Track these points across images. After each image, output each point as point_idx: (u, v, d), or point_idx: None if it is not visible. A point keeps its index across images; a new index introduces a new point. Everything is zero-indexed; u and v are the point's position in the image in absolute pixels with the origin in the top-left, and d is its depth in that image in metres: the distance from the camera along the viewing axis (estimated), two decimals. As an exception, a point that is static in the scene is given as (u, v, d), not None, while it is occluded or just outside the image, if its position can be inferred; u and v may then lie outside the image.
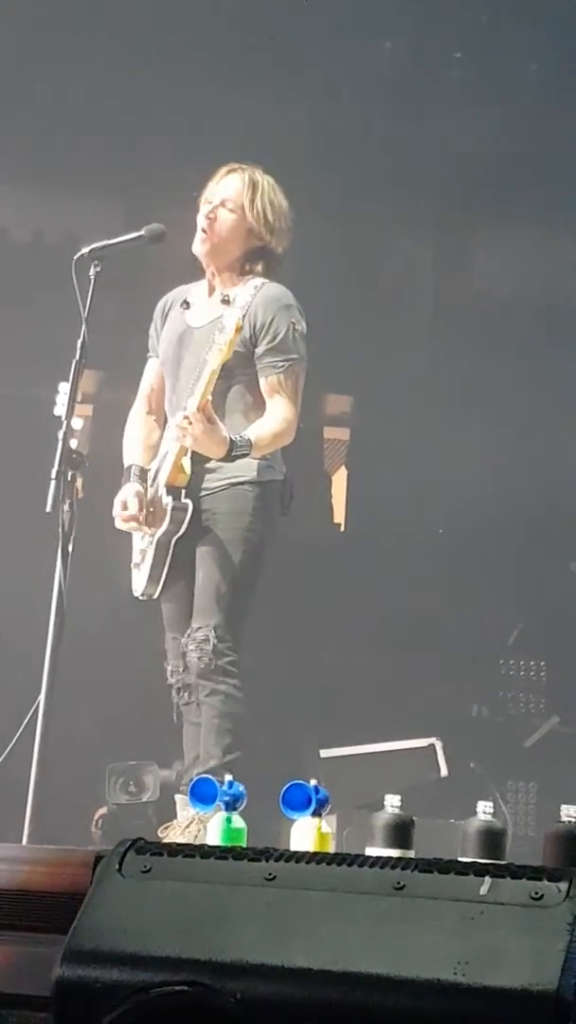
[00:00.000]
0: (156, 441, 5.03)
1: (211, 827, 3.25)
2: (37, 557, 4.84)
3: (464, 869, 2.47)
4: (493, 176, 7.15)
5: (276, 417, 4.81)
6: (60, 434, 4.67)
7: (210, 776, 3.44)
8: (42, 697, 4.52)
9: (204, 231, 4.88)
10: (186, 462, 4.78)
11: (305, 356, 4.89)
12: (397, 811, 3.03)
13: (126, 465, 5.02)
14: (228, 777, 3.31)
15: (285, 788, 3.22)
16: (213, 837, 3.22)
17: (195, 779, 3.42)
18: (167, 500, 4.76)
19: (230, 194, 4.90)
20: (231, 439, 4.64)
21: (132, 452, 5.06)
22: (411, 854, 2.94)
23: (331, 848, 3.21)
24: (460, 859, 2.74)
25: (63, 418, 4.69)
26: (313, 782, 3.24)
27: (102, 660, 6.18)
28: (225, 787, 3.25)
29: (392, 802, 3.04)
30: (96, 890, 2.58)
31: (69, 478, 4.64)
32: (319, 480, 7.70)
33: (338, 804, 3.58)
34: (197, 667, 4.71)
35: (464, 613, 6.80)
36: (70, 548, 4.62)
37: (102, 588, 5.64)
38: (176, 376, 4.96)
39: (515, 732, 6.51)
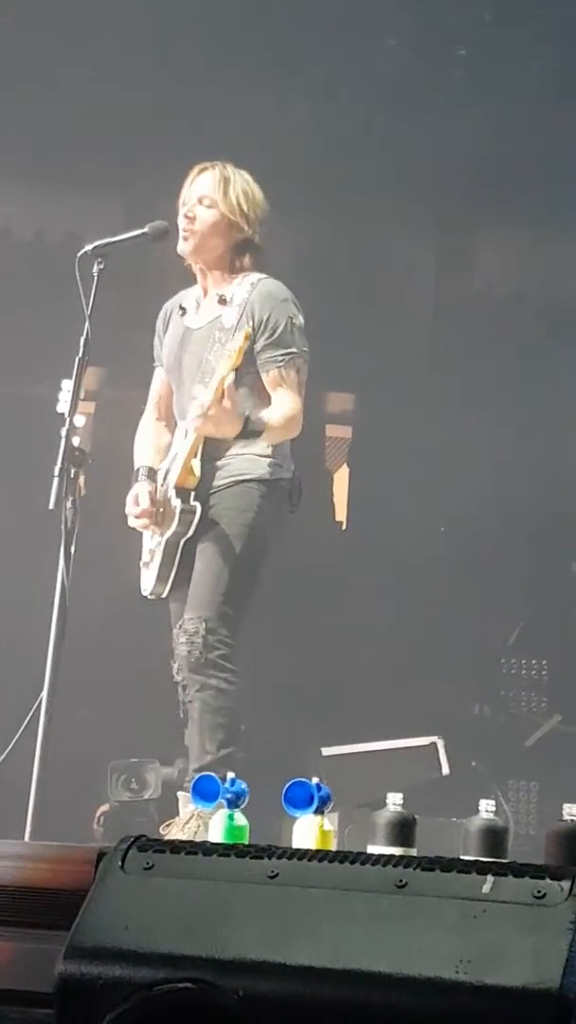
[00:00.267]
0: (166, 444, 5.05)
1: (213, 824, 3.25)
2: (40, 554, 4.85)
3: (466, 867, 2.47)
4: (495, 175, 7.15)
5: (283, 407, 4.82)
6: (63, 431, 4.67)
7: (212, 773, 3.44)
8: (44, 694, 4.52)
9: (185, 230, 4.91)
10: (196, 464, 4.79)
11: (305, 350, 4.90)
12: (399, 809, 3.03)
13: (136, 467, 5.04)
14: (230, 775, 3.31)
15: (287, 786, 3.22)
16: (215, 834, 3.22)
17: (197, 776, 3.42)
18: (176, 502, 4.78)
19: (204, 191, 4.93)
20: (246, 415, 4.65)
21: (142, 455, 5.08)
22: (413, 852, 2.94)
23: (333, 846, 3.21)
24: (462, 857, 2.75)
25: (66, 415, 4.69)
26: (315, 780, 3.24)
27: (104, 657, 6.18)
28: (227, 784, 3.25)
29: (394, 800, 3.04)
30: (99, 887, 2.59)
31: (72, 475, 4.64)
32: (321, 478, 7.70)
33: (340, 802, 3.59)
34: (187, 661, 4.70)
35: (465, 612, 6.80)
36: (73, 545, 4.62)
37: (105, 585, 5.64)
38: (180, 379, 4.98)
39: (517, 731, 6.51)
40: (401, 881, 2.45)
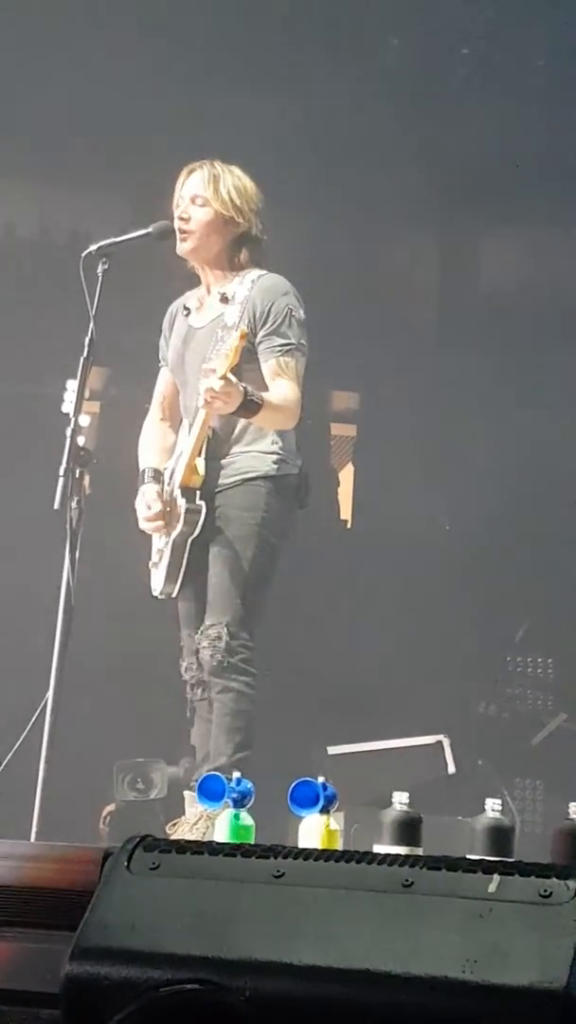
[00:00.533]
0: (171, 445, 5.06)
1: (219, 824, 3.25)
2: (45, 554, 4.85)
3: (472, 867, 2.47)
4: (498, 174, 7.14)
5: (281, 393, 4.82)
6: (68, 431, 4.67)
7: (218, 773, 3.44)
8: (50, 694, 4.52)
9: (182, 231, 4.93)
10: (200, 463, 4.79)
11: (305, 343, 4.90)
12: (405, 808, 3.03)
13: (141, 468, 5.04)
14: (236, 774, 3.31)
15: (293, 785, 3.22)
16: (221, 834, 3.22)
17: (203, 776, 3.42)
18: (181, 502, 4.78)
19: (196, 190, 4.95)
20: (245, 388, 4.65)
21: (147, 456, 5.09)
22: (419, 851, 2.94)
23: (339, 845, 3.21)
24: (468, 857, 2.74)
25: (71, 415, 4.70)
26: (321, 779, 3.24)
27: (110, 657, 6.18)
28: (233, 784, 3.25)
29: (400, 799, 3.03)
30: (105, 887, 2.59)
31: (77, 475, 4.65)
32: (326, 477, 7.69)
33: (345, 801, 3.58)
34: (210, 664, 4.72)
35: (471, 610, 6.79)
36: (78, 545, 4.63)
37: (110, 585, 5.64)
38: (184, 378, 5.00)
39: (522, 729, 6.50)
40: (407, 880, 2.45)
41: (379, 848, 2.95)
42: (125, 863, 2.60)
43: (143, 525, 4.95)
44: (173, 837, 4.33)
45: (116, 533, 5.17)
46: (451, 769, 5.77)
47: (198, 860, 2.60)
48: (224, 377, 4.55)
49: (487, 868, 2.45)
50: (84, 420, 4.75)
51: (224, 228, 4.94)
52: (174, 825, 4.65)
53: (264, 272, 4.97)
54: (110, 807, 6.01)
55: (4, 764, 4.66)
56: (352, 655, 6.48)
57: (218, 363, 4.61)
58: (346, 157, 7.07)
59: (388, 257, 8.02)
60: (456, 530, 7.05)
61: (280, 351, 4.84)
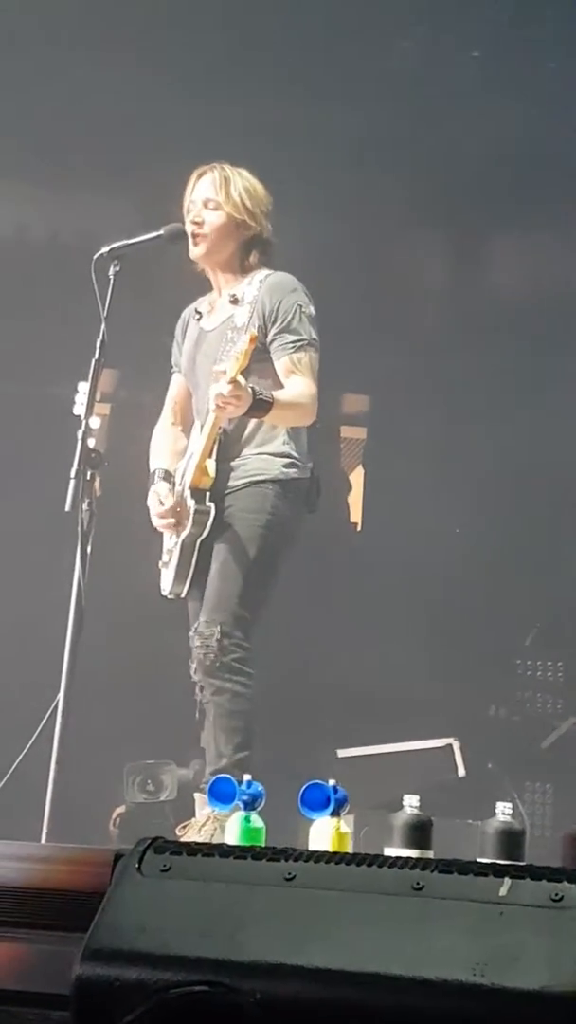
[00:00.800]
0: (182, 448, 5.07)
1: (229, 826, 3.25)
2: (56, 556, 4.85)
3: (483, 870, 2.47)
4: (508, 176, 7.14)
5: (295, 389, 4.81)
6: (79, 433, 4.68)
7: (228, 775, 3.44)
8: (61, 695, 4.53)
9: (195, 235, 4.93)
10: (210, 464, 4.80)
11: (316, 339, 4.90)
12: (416, 811, 3.02)
13: (152, 469, 5.04)
14: (247, 777, 3.31)
15: (304, 788, 3.21)
16: (231, 836, 3.22)
17: (214, 778, 3.42)
18: (191, 503, 4.79)
19: (208, 194, 4.97)
20: (252, 389, 4.64)
21: (158, 457, 5.10)
22: (430, 855, 2.93)
23: (349, 848, 3.21)
24: (479, 860, 2.74)
25: (82, 417, 4.70)
26: (332, 782, 3.24)
27: (120, 658, 6.18)
28: (244, 786, 3.25)
29: (411, 802, 3.03)
30: (115, 889, 2.59)
31: (88, 477, 4.65)
32: (336, 479, 7.69)
33: (355, 804, 3.58)
34: (203, 664, 4.72)
35: (481, 613, 6.79)
36: (89, 547, 4.63)
37: (120, 586, 5.64)
38: (196, 381, 5.01)
39: (533, 733, 6.49)
40: (418, 884, 2.45)
41: (390, 851, 2.95)
42: (136, 865, 2.60)
43: (155, 521, 4.95)
44: (183, 839, 4.33)
45: (126, 535, 5.17)
46: (461, 772, 5.77)
47: (209, 862, 2.60)
48: (233, 381, 4.55)
49: (498, 872, 2.45)
50: (95, 422, 4.75)
51: (236, 231, 4.96)
52: (184, 827, 4.64)
53: (271, 272, 4.97)
54: (120, 809, 6.01)
55: (15, 766, 4.66)
56: (362, 658, 6.47)
57: (228, 365, 4.61)
58: (356, 159, 7.07)
59: (397, 260, 8.02)
60: (466, 533, 7.04)
61: (292, 348, 4.84)
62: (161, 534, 5.02)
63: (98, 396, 4.78)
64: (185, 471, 4.92)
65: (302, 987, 2.36)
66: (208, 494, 4.82)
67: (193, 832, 4.54)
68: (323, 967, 2.37)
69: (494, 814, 3.06)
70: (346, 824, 3.26)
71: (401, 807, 3.05)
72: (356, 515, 7.99)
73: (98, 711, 5.71)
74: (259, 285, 4.90)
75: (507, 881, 2.41)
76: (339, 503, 7.67)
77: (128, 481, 5.26)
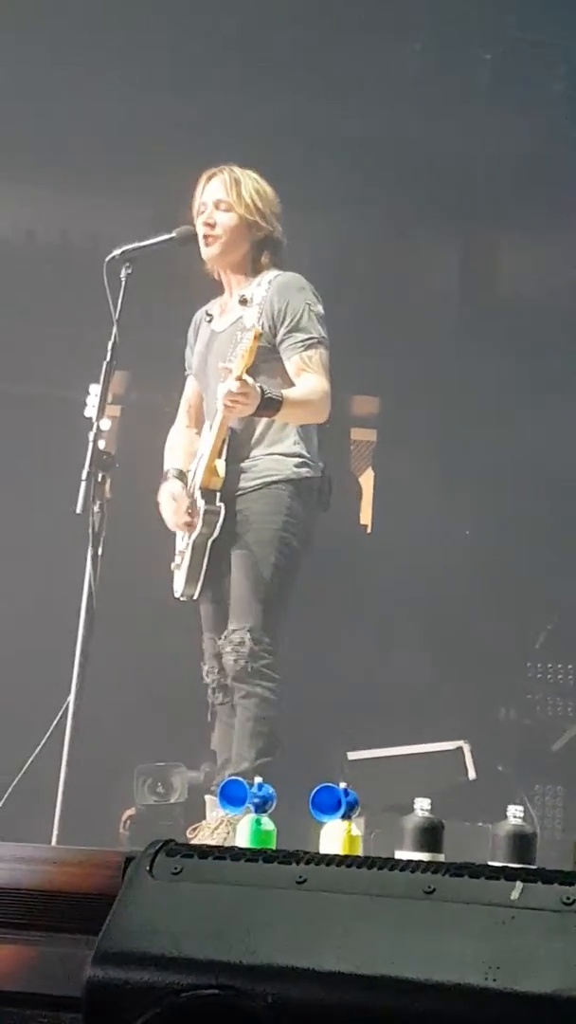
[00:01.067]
0: (196, 450, 5.06)
1: (240, 829, 3.24)
2: (67, 557, 4.85)
3: (495, 873, 2.46)
4: (519, 178, 7.14)
5: (306, 386, 4.81)
6: (91, 435, 4.68)
7: (240, 778, 3.43)
8: (71, 697, 4.53)
9: (207, 236, 4.94)
10: (220, 465, 4.79)
11: (326, 337, 4.90)
12: (427, 814, 3.01)
13: (165, 469, 5.05)
14: (258, 779, 3.30)
15: (315, 791, 3.21)
16: (243, 839, 3.21)
17: (225, 781, 3.42)
18: (201, 503, 4.79)
19: (219, 195, 4.97)
20: (261, 388, 4.64)
21: (172, 458, 5.10)
22: (441, 858, 2.93)
23: (360, 851, 3.20)
24: (491, 863, 2.74)
25: (94, 419, 4.70)
26: (343, 785, 3.23)
27: (131, 661, 6.19)
28: (255, 789, 3.25)
29: (422, 805, 3.02)
30: (127, 891, 2.59)
31: (99, 479, 4.65)
32: (346, 482, 7.69)
33: (366, 806, 3.57)
34: (233, 669, 4.72)
35: (491, 616, 6.79)
36: (100, 548, 4.63)
37: (131, 588, 5.65)
38: (207, 382, 5.01)
39: (543, 735, 6.49)
40: (429, 887, 2.45)
41: (401, 854, 2.94)
42: (147, 868, 2.60)
43: (168, 519, 4.95)
44: (194, 842, 4.33)
45: (137, 536, 5.17)
46: (471, 775, 5.76)
47: (220, 865, 2.60)
48: (240, 378, 4.55)
49: (510, 875, 2.44)
50: (105, 424, 4.75)
51: (248, 232, 4.96)
52: (195, 830, 4.64)
53: (280, 272, 4.98)
54: (130, 811, 6.01)
55: (26, 767, 4.66)
56: (372, 660, 6.48)
57: (234, 363, 4.61)
58: (366, 161, 7.08)
59: (407, 262, 8.02)
60: (476, 535, 7.05)
61: (302, 346, 4.84)
62: (172, 535, 5.02)
63: (109, 398, 4.78)
64: (196, 472, 4.92)
65: (314, 990, 2.36)
66: (218, 495, 4.81)
67: (204, 835, 4.53)
68: (334, 970, 2.37)
69: (504, 817, 3.05)
70: (357, 827, 3.26)
71: (412, 810, 3.05)
72: (366, 517, 7.99)
73: (109, 713, 5.71)
74: (267, 286, 4.90)
75: (519, 885, 2.41)
76: (349, 505, 7.67)
77: (139, 483, 5.26)
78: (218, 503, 4.80)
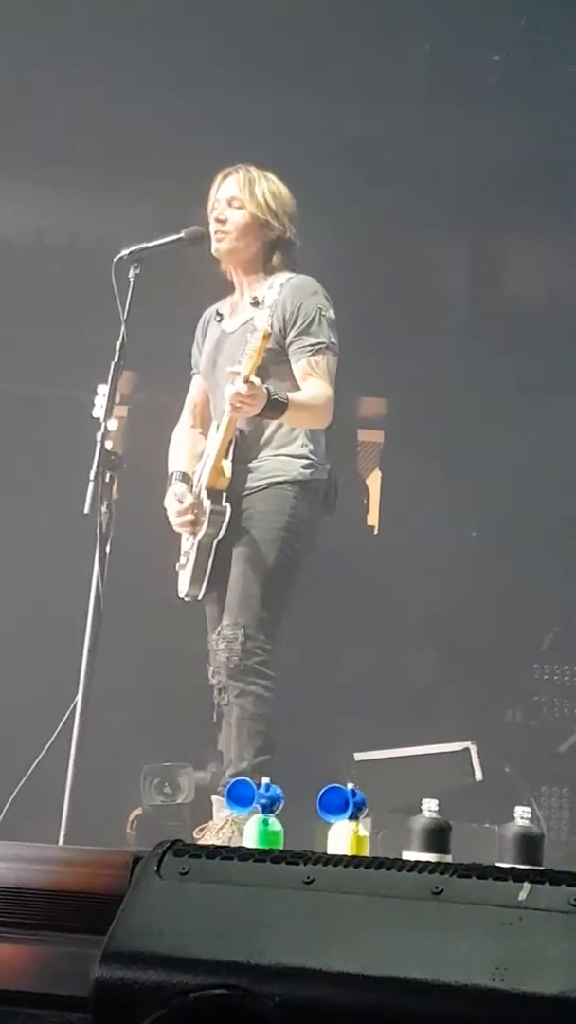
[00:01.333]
0: (200, 451, 5.06)
1: (248, 829, 3.25)
2: (75, 557, 4.86)
3: (502, 874, 2.46)
4: (528, 179, 7.13)
5: (311, 391, 4.81)
6: (98, 435, 4.68)
7: (247, 778, 3.44)
8: (79, 698, 4.53)
9: (218, 232, 4.95)
10: (226, 465, 4.80)
11: (335, 343, 4.90)
12: (435, 815, 3.02)
13: (170, 471, 5.05)
14: (265, 779, 3.31)
15: (322, 791, 3.22)
16: (250, 839, 3.22)
17: (232, 781, 3.42)
18: (207, 503, 4.79)
19: (232, 193, 4.98)
20: (267, 390, 4.64)
21: (177, 460, 5.10)
22: (448, 859, 2.93)
23: (367, 852, 3.21)
24: (498, 864, 2.74)
25: (101, 420, 4.71)
26: (350, 785, 3.24)
27: (138, 661, 6.19)
28: (262, 789, 3.25)
29: (430, 806, 3.03)
30: (134, 891, 2.59)
31: (106, 479, 4.66)
32: (353, 483, 7.69)
33: (372, 807, 3.58)
34: (226, 667, 4.71)
35: (498, 617, 6.78)
36: (107, 548, 4.63)
37: (139, 589, 5.65)
38: (215, 383, 5.00)
39: (549, 737, 6.49)
40: (437, 888, 2.45)
41: (408, 855, 2.95)
42: (155, 868, 2.60)
43: (174, 521, 4.95)
44: (201, 842, 4.33)
45: (145, 537, 5.17)
46: (478, 776, 5.76)
47: (228, 865, 2.60)
48: (248, 380, 4.55)
49: (517, 876, 2.45)
50: (113, 424, 4.76)
51: (259, 231, 4.97)
52: (202, 830, 4.64)
53: (292, 275, 4.98)
54: (137, 811, 6.01)
55: (33, 767, 4.67)
56: (379, 661, 6.48)
57: (243, 364, 4.61)
58: (376, 162, 7.07)
59: (416, 262, 8.02)
60: (483, 537, 7.04)
61: (311, 351, 4.84)
62: (179, 536, 5.02)
63: (117, 398, 4.78)
64: (202, 472, 4.92)
65: (321, 990, 2.36)
66: (224, 495, 4.82)
67: (211, 835, 4.53)
68: (342, 971, 2.37)
69: (511, 818, 3.06)
70: (364, 828, 3.26)
71: (418, 811, 3.05)
72: (373, 518, 7.99)
73: (116, 713, 5.72)
74: (280, 288, 4.91)
75: (526, 886, 2.41)
76: (356, 506, 7.67)
77: (146, 483, 5.26)
78: (224, 503, 4.80)
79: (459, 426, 7.19)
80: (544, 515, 6.82)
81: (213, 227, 4.96)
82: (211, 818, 4.72)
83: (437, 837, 2.98)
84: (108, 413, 4.72)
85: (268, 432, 4.86)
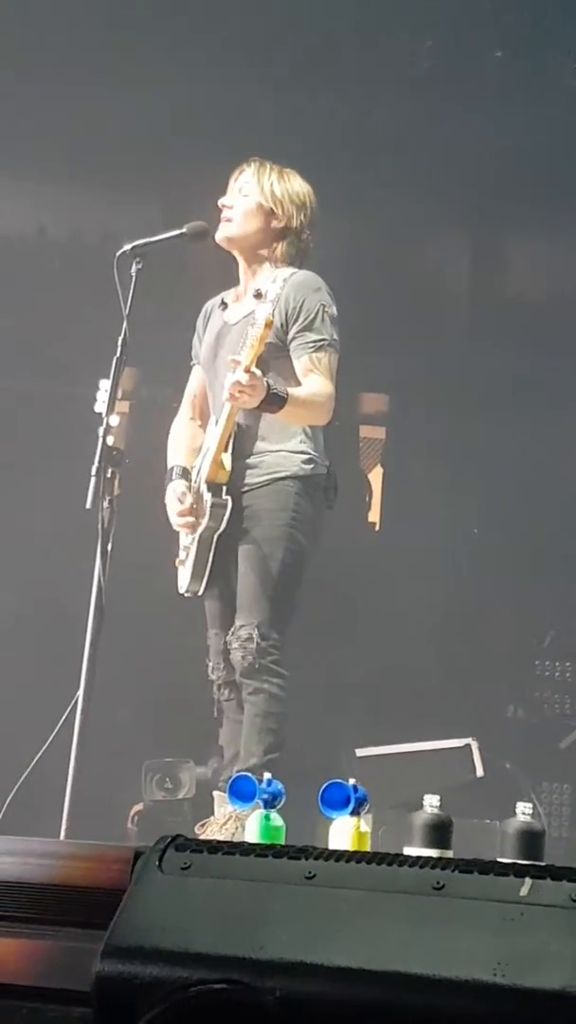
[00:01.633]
0: (199, 445, 5.05)
1: (249, 825, 3.25)
2: (77, 553, 4.86)
3: (504, 870, 2.46)
4: (530, 176, 7.13)
5: (312, 387, 4.81)
6: (100, 431, 4.68)
7: (249, 774, 3.44)
8: (80, 693, 4.53)
9: (224, 216, 4.97)
10: (226, 458, 4.79)
11: (337, 340, 4.89)
12: (436, 811, 3.02)
13: (169, 466, 5.05)
14: (267, 775, 3.31)
15: (324, 787, 3.22)
16: (251, 835, 3.22)
17: (234, 777, 3.42)
18: (207, 497, 4.78)
19: (243, 181, 5.01)
20: (267, 383, 4.64)
21: (176, 453, 5.09)
22: (449, 854, 2.93)
23: (369, 847, 3.21)
24: (500, 860, 2.74)
25: (103, 415, 4.70)
26: (351, 781, 3.24)
27: (140, 657, 6.20)
28: (264, 785, 3.25)
29: (431, 802, 3.03)
30: (136, 886, 2.59)
31: (108, 475, 4.66)
32: (354, 479, 7.69)
33: (373, 803, 3.58)
34: (241, 666, 4.72)
35: (499, 613, 6.78)
36: (109, 544, 4.63)
37: (140, 584, 5.65)
38: (215, 374, 4.99)
39: (550, 733, 6.49)
40: (439, 883, 2.44)
41: (409, 851, 2.95)
42: (157, 863, 2.60)
43: (174, 519, 4.95)
44: (202, 837, 4.33)
45: (146, 532, 5.17)
46: (479, 772, 5.76)
47: (229, 860, 2.60)
48: (248, 370, 4.55)
49: (519, 871, 2.44)
50: (114, 420, 4.76)
51: (264, 219, 4.96)
52: (203, 825, 4.65)
53: (296, 270, 4.97)
54: (138, 807, 6.02)
55: (34, 763, 4.67)
56: (380, 657, 6.48)
57: (243, 354, 4.60)
58: (378, 158, 7.07)
59: (419, 258, 8.02)
60: (484, 533, 7.04)
61: (312, 347, 4.84)
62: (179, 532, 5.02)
63: (119, 394, 4.78)
64: (201, 466, 4.92)
65: (322, 986, 2.36)
66: (224, 488, 4.81)
67: (212, 830, 4.54)
68: (343, 966, 2.37)
69: (512, 814, 3.06)
70: (365, 823, 3.27)
71: (419, 806, 3.05)
72: (374, 514, 7.99)
73: (117, 709, 5.73)
74: (283, 283, 4.90)
75: (528, 881, 2.41)
76: (358, 503, 7.66)
77: (148, 479, 5.26)
78: (225, 496, 4.80)
79: (461, 423, 7.19)
80: (546, 511, 6.81)
81: (221, 212, 4.97)
82: (212, 814, 4.72)
83: (438, 833, 2.99)
84: (110, 408, 4.72)
85: (266, 426, 4.86)
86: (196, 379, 5.21)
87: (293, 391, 4.73)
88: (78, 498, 4.66)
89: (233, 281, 5.10)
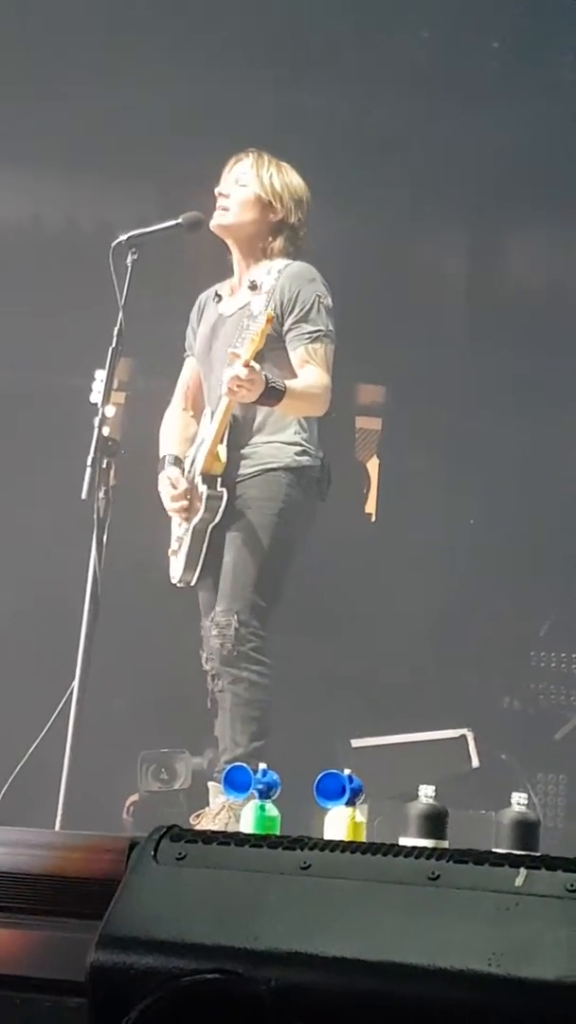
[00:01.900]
0: (192, 434, 5.06)
1: (244, 815, 3.25)
2: (72, 544, 4.86)
3: (499, 860, 2.46)
4: (529, 169, 7.12)
5: (308, 379, 4.81)
6: (96, 421, 4.68)
7: (243, 764, 3.44)
8: (76, 684, 4.53)
9: (220, 206, 4.97)
10: (222, 450, 4.80)
11: (333, 331, 4.89)
12: (432, 801, 3.02)
13: (161, 455, 5.04)
14: (262, 765, 3.31)
15: (319, 777, 3.22)
16: (247, 825, 3.22)
17: (229, 767, 3.42)
18: (202, 488, 4.78)
19: (240, 171, 5.01)
20: (266, 376, 4.63)
21: (168, 443, 5.09)
22: (445, 844, 2.93)
23: (364, 838, 3.21)
24: (495, 850, 2.74)
25: (99, 406, 4.70)
26: (347, 772, 3.24)
27: (135, 647, 6.19)
28: (259, 775, 3.25)
29: (427, 792, 3.03)
30: (131, 877, 2.59)
31: (104, 465, 4.65)
32: (351, 470, 7.68)
33: (369, 794, 3.58)
34: (219, 653, 4.72)
35: (495, 604, 6.78)
36: (105, 535, 4.63)
37: (136, 575, 5.65)
38: (210, 366, 4.99)
39: (546, 724, 6.50)
40: (434, 873, 2.45)
41: (404, 841, 2.95)
42: (152, 853, 2.60)
43: (168, 505, 4.95)
44: (197, 828, 4.33)
45: (142, 523, 5.17)
46: (475, 763, 5.77)
47: (225, 851, 2.60)
48: (248, 364, 4.55)
49: (514, 862, 2.44)
50: (110, 410, 4.75)
51: (261, 211, 4.96)
52: (198, 816, 4.65)
53: (291, 261, 4.97)
54: (134, 797, 6.02)
55: (30, 753, 4.67)
56: (376, 648, 6.47)
57: (243, 348, 4.60)
58: (376, 152, 7.06)
59: (417, 251, 8.01)
60: (481, 524, 7.04)
61: (308, 338, 4.84)
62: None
63: (114, 384, 4.78)
64: (195, 457, 4.91)
65: (317, 975, 2.36)
66: (219, 480, 4.81)
67: (207, 821, 4.54)
68: (338, 956, 2.37)
69: (508, 805, 3.06)
70: (361, 813, 3.26)
71: (414, 797, 3.05)
72: (370, 505, 7.98)
73: (113, 699, 5.73)
74: (277, 275, 4.90)
75: (523, 871, 2.41)
76: (354, 493, 7.66)
77: (144, 469, 5.26)
78: (220, 488, 4.80)
79: (458, 414, 7.19)
80: (542, 503, 6.81)
81: (217, 202, 4.95)
82: (207, 804, 4.72)
83: (434, 823, 2.98)
84: (106, 399, 4.71)
85: (260, 418, 4.86)
86: (189, 370, 5.21)
87: (291, 384, 4.72)
88: (74, 489, 4.65)
89: (229, 272, 5.10)
